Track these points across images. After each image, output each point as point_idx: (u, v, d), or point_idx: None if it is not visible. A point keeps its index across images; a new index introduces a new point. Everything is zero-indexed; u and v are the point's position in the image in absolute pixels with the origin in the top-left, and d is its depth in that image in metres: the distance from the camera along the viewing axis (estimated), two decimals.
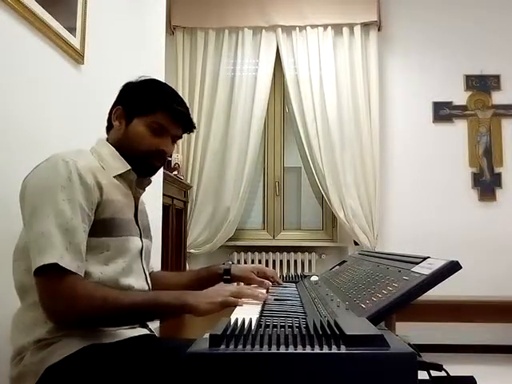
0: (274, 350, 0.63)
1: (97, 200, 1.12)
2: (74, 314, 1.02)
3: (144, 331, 1.21)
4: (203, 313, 1.06)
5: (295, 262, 3.80)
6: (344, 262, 1.61)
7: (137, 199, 1.28)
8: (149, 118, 1.23)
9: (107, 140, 1.28)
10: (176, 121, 1.25)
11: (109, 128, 1.30)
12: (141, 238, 1.26)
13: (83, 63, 1.82)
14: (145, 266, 1.28)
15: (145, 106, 1.23)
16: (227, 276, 1.48)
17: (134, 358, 1.06)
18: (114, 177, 1.20)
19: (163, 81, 2.63)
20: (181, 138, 1.32)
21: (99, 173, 1.15)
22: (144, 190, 1.33)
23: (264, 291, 1.32)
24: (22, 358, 1.08)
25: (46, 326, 1.06)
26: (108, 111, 1.31)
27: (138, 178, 1.26)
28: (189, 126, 1.30)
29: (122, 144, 1.24)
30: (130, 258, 1.19)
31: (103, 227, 1.13)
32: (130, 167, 1.23)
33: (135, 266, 1.22)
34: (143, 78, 1.30)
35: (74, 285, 1.02)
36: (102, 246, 1.12)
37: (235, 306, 1.09)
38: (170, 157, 3.29)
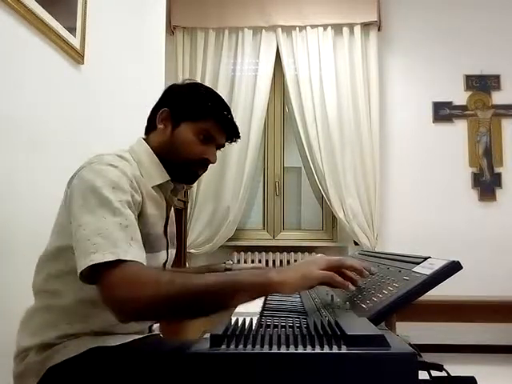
0: (274, 350, 0.63)
1: (139, 209, 1.08)
2: (147, 298, 0.90)
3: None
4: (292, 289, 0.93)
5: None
6: None
7: (169, 207, 1.25)
8: (198, 124, 1.18)
9: (147, 141, 1.22)
10: (224, 130, 1.21)
11: (149, 129, 1.24)
12: (167, 249, 1.23)
13: (83, 63, 1.82)
14: None
15: (196, 111, 1.18)
16: None
17: (135, 360, 1.06)
18: (152, 187, 1.16)
19: (163, 81, 2.65)
20: (223, 146, 1.26)
21: (140, 182, 1.11)
22: (177, 197, 1.29)
23: None
24: (26, 356, 1.08)
25: (54, 331, 1.05)
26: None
27: (174, 186, 1.22)
28: (234, 136, 1.25)
29: (165, 148, 1.19)
30: None
31: None
32: (169, 178, 1.19)
33: None
34: (189, 82, 1.26)
35: (139, 270, 0.93)
36: None
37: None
38: None
